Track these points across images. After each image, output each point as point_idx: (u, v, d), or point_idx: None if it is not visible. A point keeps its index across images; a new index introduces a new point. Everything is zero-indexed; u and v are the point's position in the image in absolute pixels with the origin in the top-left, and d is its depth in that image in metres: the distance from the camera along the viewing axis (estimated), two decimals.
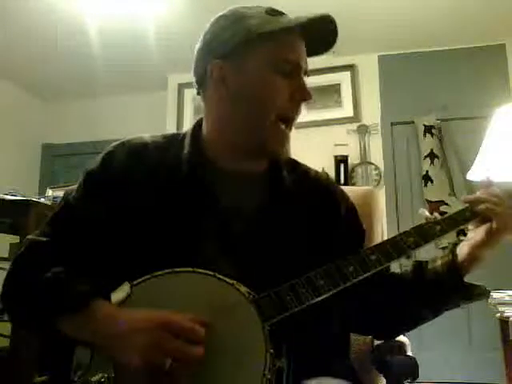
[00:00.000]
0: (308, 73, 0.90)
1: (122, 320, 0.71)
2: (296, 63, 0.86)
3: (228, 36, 0.86)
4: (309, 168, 1.02)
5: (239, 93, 0.86)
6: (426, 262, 0.93)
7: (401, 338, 1.09)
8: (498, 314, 1.89)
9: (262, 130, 0.85)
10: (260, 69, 0.85)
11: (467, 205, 0.89)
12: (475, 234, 0.87)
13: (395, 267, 0.96)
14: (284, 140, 0.87)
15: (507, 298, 1.86)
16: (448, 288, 0.88)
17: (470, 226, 0.89)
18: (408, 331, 1.02)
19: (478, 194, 0.90)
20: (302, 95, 0.86)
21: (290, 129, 0.88)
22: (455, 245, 0.90)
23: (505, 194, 0.88)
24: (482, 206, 0.86)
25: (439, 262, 0.90)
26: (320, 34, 0.89)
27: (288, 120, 0.87)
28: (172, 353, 0.66)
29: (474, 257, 0.86)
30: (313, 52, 0.91)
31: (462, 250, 0.88)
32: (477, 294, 0.87)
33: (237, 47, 0.85)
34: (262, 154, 0.90)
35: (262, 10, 0.87)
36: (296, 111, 0.88)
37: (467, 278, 0.88)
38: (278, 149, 0.88)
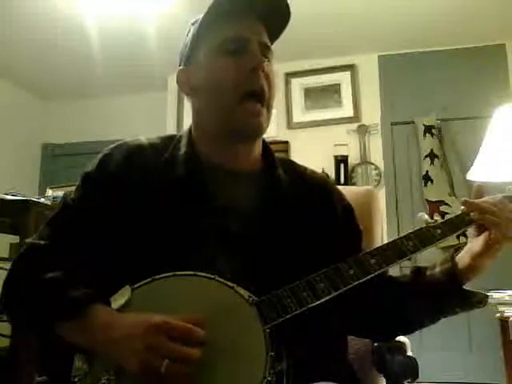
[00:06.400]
0: (266, 47, 0.88)
1: (117, 325, 0.71)
2: (240, 39, 0.86)
3: (184, 44, 0.94)
4: (305, 168, 1.02)
5: (200, 86, 0.90)
6: (425, 267, 0.93)
7: (401, 338, 1.09)
8: (498, 314, 1.88)
9: (230, 111, 0.86)
10: (208, 57, 0.88)
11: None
12: (474, 243, 0.85)
13: (395, 269, 0.95)
14: (254, 115, 0.86)
15: (507, 298, 1.86)
16: (446, 296, 0.87)
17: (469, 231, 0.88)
18: (405, 335, 1.01)
19: (478, 201, 0.87)
20: (252, 63, 0.85)
21: (262, 103, 0.86)
22: (456, 250, 0.89)
23: (502, 203, 0.86)
24: (480, 217, 0.84)
25: (438, 269, 0.90)
26: (267, 5, 0.87)
27: (254, 94, 0.85)
28: (168, 355, 0.65)
29: (474, 267, 0.85)
30: (275, 28, 0.91)
31: (463, 259, 0.87)
32: (476, 301, 0.87)
33: (190, 50, 0.91)
34: (241, 135, 0.89)
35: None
36: (257, 82, 0.85)
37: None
38: (252, 124, 0.86)
